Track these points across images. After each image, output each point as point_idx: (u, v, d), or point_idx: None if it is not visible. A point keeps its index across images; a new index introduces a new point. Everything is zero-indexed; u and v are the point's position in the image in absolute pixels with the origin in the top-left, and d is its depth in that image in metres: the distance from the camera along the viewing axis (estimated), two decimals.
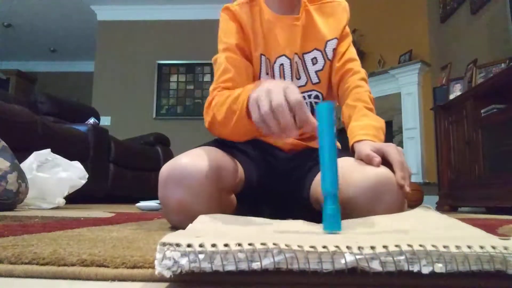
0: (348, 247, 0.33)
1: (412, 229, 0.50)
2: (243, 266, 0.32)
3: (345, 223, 0.57)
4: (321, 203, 0.80)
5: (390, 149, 0.75)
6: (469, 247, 0.33)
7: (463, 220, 0.57)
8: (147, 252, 0.44)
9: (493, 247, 0.33)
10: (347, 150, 0.85)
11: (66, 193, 1.76)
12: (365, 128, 0.83)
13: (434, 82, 3.94)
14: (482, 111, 2.51)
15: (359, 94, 0.92)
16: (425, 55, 4.25)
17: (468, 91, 2.81)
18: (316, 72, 0.98)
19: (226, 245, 0.33)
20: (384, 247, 0.33)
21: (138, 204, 1.90)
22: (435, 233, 0.47)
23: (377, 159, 0.73)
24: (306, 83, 0.97)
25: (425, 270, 0.32)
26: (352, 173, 0.73)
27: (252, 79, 0.93)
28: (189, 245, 0.32)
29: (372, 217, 0.60)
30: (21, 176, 1.53)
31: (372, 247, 0.33)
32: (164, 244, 0.33)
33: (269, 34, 0.95)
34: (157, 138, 3.94)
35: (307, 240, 0.35)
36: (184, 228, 0.47)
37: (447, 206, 2.96)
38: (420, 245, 0.33)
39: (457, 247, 0.33)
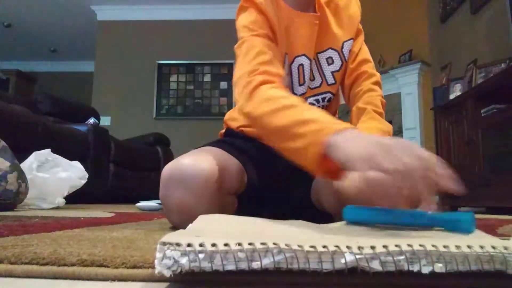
0: (348, 247, 0.33)
1: (412, 229, 0.50)
2: (243, 265, 0.32)
3: (344, 223, 0.58)
4: (321, 198, 0.79)
5: None
6: (469, 247, 0.33)
7: None
8: (147, 252, 0.44)
9: (493, 247, 0.33)
10: None
11: (66, 193, 1.76)
12: (371, 130, 0.82)
13: (434, 82, 3.94)
14: (482, 111, 2.51)
15: (371, 98, 0.90)
16: (425, 55, 4.25)
17: (468, 91, 2.81)
18: (332, 72, 0.94)
19: (226, 244, 0.33)
20: (384, 247, 0.33)
21: (138, 204, 1.90)
22: (435, 233, 0.47)
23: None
24: (321, 84, 0.94)
25: (425, 270, 0.32)
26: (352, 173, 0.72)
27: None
28: (189, 245, 0.32)
29: None
30: (21, 176, 1.53)
31: (372, 247, 0.33)
32: (164, 244, 0.33)
33: (290, 31, 0.89)
34: (157, 138, 3.94)
35: (307, 240, 0.35)
36: (184, 229, 0.47)
37: (447, 206, 2.96)
38: (420, 245, 0.33)
39: (457, 247, 0.33)
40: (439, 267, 0.32)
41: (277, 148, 0.69)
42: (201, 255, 0.32)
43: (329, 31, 0.93)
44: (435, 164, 0.46)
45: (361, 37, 0.99)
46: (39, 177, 1.69)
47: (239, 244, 0.33)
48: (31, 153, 1.76)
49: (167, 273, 0.32)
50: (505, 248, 0.33)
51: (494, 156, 2.39)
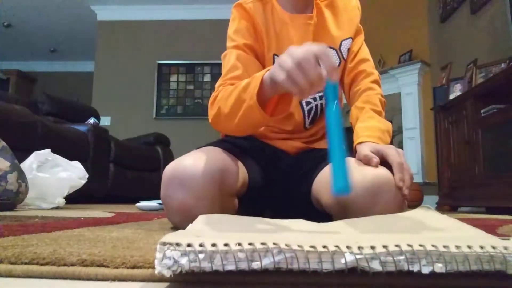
0: (348, 247, 0.33)
1: (412, 229, 0.50)
2: (243, 265, 0.32)
3: (343, 223, 0.57)
4: (321, 198, 0.80)
5: (390, 150, 0.74)
6: (469, 247, 0.33)
7: (463, 220, 0.57)
8: (147, 252, 0.44)
9: (493, 247, 0.33)
10: (351, 151, 0.85)
11: (66, 193, 1.76)
12: (369, 130, 0.82)
13: (434, 82, 3.94)
14: (482, 111, 2.51)
15: (369, 97, 0.91)
16: (425, 55, 4.25)
17: (468, 91, 2.81)
18: None
19: (226, 244, 0.33)
20: (384, 247, 0.33)
21: (138, 204, 1.90)
22: (435, 233, 0.47)
23: (375, 159, 0.72)
24: None
25: (425, 270, 0.32)
26: (351, 173, 0.73)
27: None
28: (189, 245, 0.32)
29: (372, 217, 0.60)
30: (21, 176, 1.53)
31: (372, 247, 0.33)
32: (164, 244, 0.33)
33: (282, 34, 0.92)
34: (157, 138, 3.94)
35: (307, 240, 0.35)
36: (185, 229, 0.47)
37: (447, 206, 2.96)
38: (420, 245, 0.33)
39: (457, 247, 0.33)
40: (439, 267, 0.32)
41: (243, 127, 0.78)
42: (201, 255, 0.32)
43: (327, 31, 0.95)
44: (325, 49, 0.56)
45: (361, 37, 1.00)
46: (39, 177, 1.69)
47: (239, 244, 0.33)
48: (31, 153, 1.76)
49: (167, 273, 0.32)
50: (505, 248, 0.33)
51: (494, 156, 2.39)
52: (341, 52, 0.96)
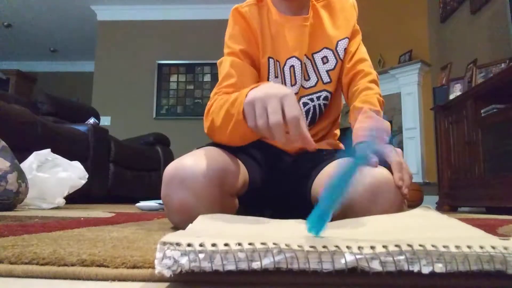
0: (348, 247, 0.33)
1: (412, 229, 0.50)
2: (243, 265, 0.32)
3: (343, 223, 0.57)
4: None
5: (389, 150, 0.74)
6: (469, 247, 0.33)
7: (463, 220, 0.57)
8: (147, 252, 0.44)
9: (493, 247, 0.33)
10: (350, 151, 0.84)
11: (66, 193, 1.76)
12: (368, 130, 0.82)
13: (434, 82, 3.94)
14: (482, 111, 2.51)
15: (367, 97, 0.91)
16: (425, 55, 4.25)
17: (468, 91, 2.81)
18: (328, 71, 0.96)
19: (226, 244, 0.33)
20: (384, 247, 0.33)
21: (138, 204, 1.90)
22: (434, 233, 0.47)
23: (374, 159, 0.72)
24: (317, 83, 0.96)
25: (425, 270, 0.32)
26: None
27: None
28: (189, 245, 0.32)
29: (372, 217, 0.60)
30: (21, 176, 1.53)
31: (372, 247, 0.33)
32: (164, 244, 0.33)
33: (277, 36, 0.93)
34: (157, 138, 3.95)
35: (307, 240, 0.35)
36: (185, 229, 0.47)
37: (447, 206, 2.96)
38: (420, 245, 0.33)
39: (457, 247, 0.33)
40: (439, 267, 0.32)
41: (236, 139, 0.78)
42: (201, 255, 0.32)
43: (323, 31, 0.96)
44: (297, 119, 0.57)
45: (358, 37, 1.00)
46: (39, 177, 1.69)
47: (239, 244, 0.33)
48: (31, 153, 1.76)
49: (167, 273, 0.32)
50: (505, 248, 0.33)
51: (494, 156, 2.39)
52: (337, 52, 0.97)
